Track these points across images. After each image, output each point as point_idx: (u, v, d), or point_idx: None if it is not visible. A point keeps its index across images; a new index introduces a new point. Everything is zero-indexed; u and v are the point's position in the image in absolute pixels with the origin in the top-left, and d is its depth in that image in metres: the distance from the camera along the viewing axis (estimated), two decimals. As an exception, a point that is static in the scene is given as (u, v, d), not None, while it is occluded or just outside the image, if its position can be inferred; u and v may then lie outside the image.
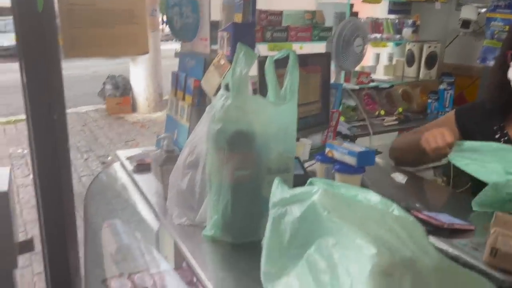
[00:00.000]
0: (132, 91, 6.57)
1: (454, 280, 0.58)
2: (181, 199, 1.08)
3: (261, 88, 1.23)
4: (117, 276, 1.51)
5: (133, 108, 6.57)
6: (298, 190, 0.69)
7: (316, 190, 0.66)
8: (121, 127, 5.90)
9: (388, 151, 1.38)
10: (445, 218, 0.94)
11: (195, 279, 1.15)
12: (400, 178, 1.26)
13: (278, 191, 0.73)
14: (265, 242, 0.76)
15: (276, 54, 1.00)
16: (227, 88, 0.91)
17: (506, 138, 1.16)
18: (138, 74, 6.48)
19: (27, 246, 1.33)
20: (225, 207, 0.93)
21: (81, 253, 1.71)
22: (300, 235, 0.70)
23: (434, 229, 0.91)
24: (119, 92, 6.42)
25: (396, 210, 0.66)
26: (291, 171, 0.99)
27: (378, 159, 1.50)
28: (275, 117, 0.94)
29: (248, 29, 1.28)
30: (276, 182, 0.76)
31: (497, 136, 1.18)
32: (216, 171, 0.93)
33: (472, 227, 0.95)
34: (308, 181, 0.78)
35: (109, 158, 4.81)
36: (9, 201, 1.20)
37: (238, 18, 1.26)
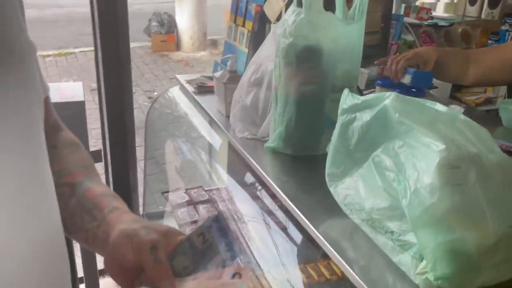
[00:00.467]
0: (177, 29, 6.60)
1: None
2: (245, 114, 1.15)
3: (326, 5, 1.24)
4: (175, 190, 1.65)
5: (178, 46, 6.63)
6: (371, 96, 0.74)
7: (388, 95, 0.70)
8: (166, 64, 6.00)
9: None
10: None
11: (255, 189, 1.25)
12: (457, 109, 1.27)
13: (349, 98, 0.78)
14: (331, 147, 0.82)
15: (347, -26, 1.01)
16: (299, 3, 0.94)
17: None
18: (183, 12, 6.47)
19: (97, 155, 1.47)
20: (290, 119, 0.99)
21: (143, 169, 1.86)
22: (367, 139, 0.75)
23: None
24: (164, 29, 6.46)
25: (462, 116, 0.70)
26: (354, 90, 1.03)
27: (433, 92, 1.50)
28: (344, 35, 0.96)
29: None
30: (346, 92, 0.81)
31: None
32: (284, 84, 0.98)
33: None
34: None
35: (155, 93, 4.97)
36: (85, 111, 1.31)
37: None
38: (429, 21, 2.04)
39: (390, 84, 1.18)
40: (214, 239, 0.52)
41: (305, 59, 0.95)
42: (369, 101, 0.74)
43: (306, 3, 0.92)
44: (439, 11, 2.35)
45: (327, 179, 0.82)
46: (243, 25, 1.56)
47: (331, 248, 0.72)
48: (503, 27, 2.19)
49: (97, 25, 1.55)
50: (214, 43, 6.96)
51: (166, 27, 6.46)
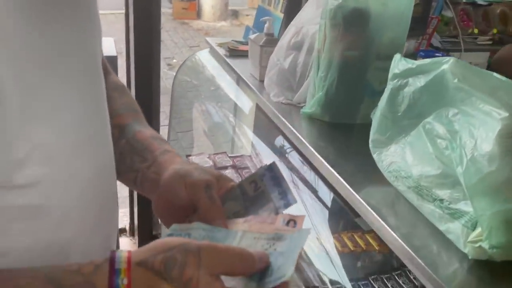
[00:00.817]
0: (198, -3, 6.51)
1: None
2: (281, 78, 1.13)
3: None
4: (198, 154, 1.64)
5: (198, 14, 6.55)
6: (427, 60, 0.71)
7: (447, 60, 0.68)
8: (186, 33, 5.95)
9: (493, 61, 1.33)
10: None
11: (285, 153, 1.24)
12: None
13: (401, 63, 0.75)
14: (377, 112, 0.80)
15: None
16: (351, -36, 0.90)
17: None
18: (206, -20, 6.36)
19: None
20: (331, 85, 0.97)
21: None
22: (418, 106, 0.73)
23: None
24: (186, -4, 6.38)
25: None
26: (399, 59, 0.99)
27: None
28: (394, 1, 0.93)
29: None
30: (398, 56, 0.78)
31: None
32: (328, 48, 0.95)
33: None
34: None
35: (174, 60, 4.93)
36: (117, 66, 1.30)
37: None
38: (468, -1, 1.97)
39: (433, 56, 1.14)
40: (266, 187, 0.52)
41: (353, 22, 0.92)
42: (425, 66, 0.71)
43: (359, -37, 0.88)
44: (479, -11, 2.27)
45: (370, 145, 0.80)
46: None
47: (373, 213, 0.71)
48: (545, 10, 2.10)
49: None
50: (235, 14, 6.86)
51: (188, -6, 6.37)
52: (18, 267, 0.36)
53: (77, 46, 0.45)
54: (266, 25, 1.24)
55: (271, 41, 1.22)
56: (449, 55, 1.63)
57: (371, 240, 1.11)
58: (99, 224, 0.49)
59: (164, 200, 0.52)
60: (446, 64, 0.67)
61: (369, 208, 0.72)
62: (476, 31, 1.97)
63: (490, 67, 1.35)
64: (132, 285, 0.37)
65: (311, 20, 1.09)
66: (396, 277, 1.05)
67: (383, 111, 0.78)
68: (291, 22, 1.15)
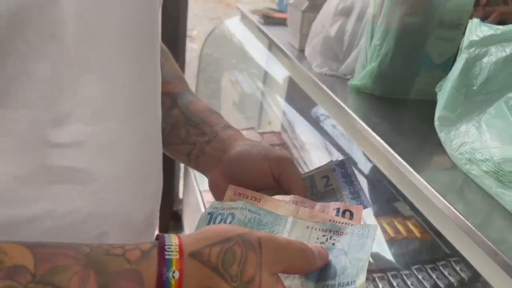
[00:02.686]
0: (220, -34, 6.31)
1: None
2: (326, 47, 1.03)
3: None
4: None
5: (219, -15, 6.36)
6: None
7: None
8: (207, 3, 5.79)
9: None
10: None
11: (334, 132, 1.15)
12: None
13: (481, 28, 0.66)
14: (447, 86, 0.70)
15: None
16: None
17: None
18: (229, -51, 6.15)
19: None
20: (386, 55, 0.87)
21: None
22: (500, 79, 0.64)
23: None
24: (207, -34, 6.18)
25: None
26: (463, 28, 0.89)
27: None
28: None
29: None
30: (476, 21, 0.68)
31: None
32: (386, 13, 0.85)
33: None
34: None
35: (194, 32, 4.82)
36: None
37: None
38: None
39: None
40: (338, 186, 0.45)
41: (417, -17, 0.82)
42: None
43: None
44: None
45: (437, 123, 0.71)
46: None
47: (440, 197, 0.63)
48: None
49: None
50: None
51: (209, -37, 6.18)
52: (55, 239, 0.31)
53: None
54: (309, -12, 1.14)
55: (315, 6, 1.11)
56: None
57: (412, 227, 1.04)
58: (143, 199, 0.44)
59: (230, 176, 0.47)
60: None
61: (434, 191, 0.64)
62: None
63: None
64: (184, 280, 0.30)
65: (363, -17, 0.99)
66: (441, 268, 0.98)
67: (455, 84, 0.68)
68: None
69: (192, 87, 1.77)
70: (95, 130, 0.35)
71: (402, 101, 0.93)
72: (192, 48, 4.40)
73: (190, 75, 2.06)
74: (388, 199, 1.00)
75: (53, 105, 0.31)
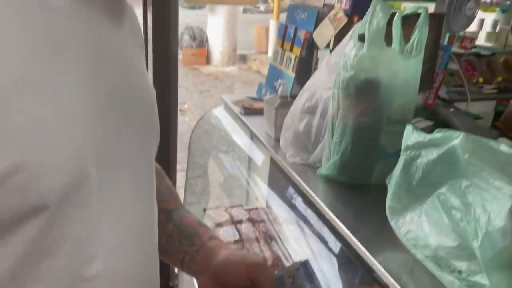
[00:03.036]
0: (208, 43, 6.73)
1: None
2: (297, 140, 1.18)
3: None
4: (215, 208, 1.68)
5: (208, 60, 6.76)
6: (438, 134, 0.76)
7: (457, 135, 0.72)
8: (196, 78, 6.12)
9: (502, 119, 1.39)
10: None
11: (308, 214, 1.27)
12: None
13: (414, 135, 0.80)
14: (393, 181, 0.84)
15: (406, 10, 1.04)
16: (361, 38, 0.97)
17: None
18: (215, 27, 6.61)
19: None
20: (346, 149, 1.02)
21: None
22: (432, 176, 0.77)
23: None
24: (196, 43, 6.61)
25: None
26: (408, 122, 1.04)
27: (479, 124, 1.51)
28: (402, 70, 0.99)
29: (369, -15, 1.30)
30: (410, 128, 0.83)
31: None
32: (342, 115, 1.01)
33: None
34: (436, 131, 0.84)
35: (185, 106, 5.06)
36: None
37: (360, -28, 1.29)
38: (472, 50, 2.05)
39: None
40: (303, 283, 0.57)
41: (364, 91, 0.98)
42: (436, 140, 0.76)
43: (368, 39, 0.95)
44: (481, 40, 2.35)
45: (387, 212, 0.84)
46: (291, 50, 1.60)
47: (393, 282, 0.74)
48: (547, 58, 2.17)
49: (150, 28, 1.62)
50: (243, 58, 7.07)
51: (198, 41, 6.61)
52: None
53: (142, 148, 0.51)
54: (280, 88, 1.31)
55: (285, 103, 1.28)
56: (456, 105, 1.68)
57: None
58: None
59: (216, 280, 0.59)
60: (457, 139, 0.72)
61: (389, 277, 0.75)
62: (481, 80, 2.03)
63: (500, 123, 1.39)
64: None
65: (323, 85, 1.16)
66: None
67: (398, 180, 0.82)
68: (304, 86, 1.22)
69: (183, 162, 1.89)
70: (111, 264, 0.44)
71: (365, 186, 1.06)
72: (184, 121, 4.61)
73: (182, 147, 2.20)
74: (359, 280, 1.09)
75: (84, 249, 0.41)
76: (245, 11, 12.10)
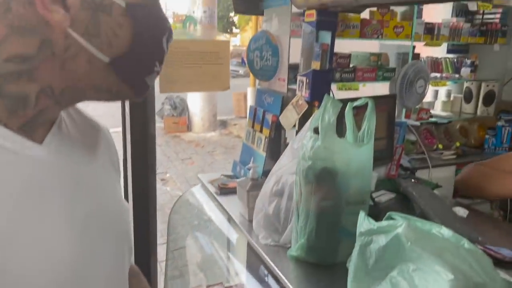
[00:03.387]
0: (188, 111, 6.95)
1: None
2: (267, 222, 1.26)
3: (338, 128, 1.40)
4: (197, 287, 1.71)
5: (189, 127, 6.93)
6: (384, 223, 0.85)
7: (400, 224, 0.81)
8: (178, 145, 6.24)
9: (456, 182, 1.50)
10: (505, 252, 1.06)
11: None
12: (461, 212, 1.38)
13: (365, 222, 0.89)
14: (351, 264, 0.91)
15: (356, 101, 1.18)
16: (316, 131, 1.09)
17: None
18: (195, 96, 6.86)
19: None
20: (311, 232, 1.10)
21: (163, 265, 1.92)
22: (384, 260, 0.85)
23: (496, 262, 1.03)
24: (177, 112, 6.81)
25: (466, 243, 0.80)
26: (366, 203, 1.14)
27: (438, 192, 1.61)
28: (355, 157, 1.10)
29: (325, 76, 1.46)
30: (362, 215, 0.92)
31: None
32: (304, 201, 1.10)
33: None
34: (387, 215, 0.94)
35: (168, 175, 5.12)
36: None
37: (316, 65, 1.45)
38: (429, 119, 2.22)
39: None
40: None
41: (323, 179, 1.08)
42: (383, 228, 0.84)
43: (322, 132, 1.07)
44: (437, 110, 2.55)
45: (349, 293, 0.90)
46: (261, 131, 1.73)
47: None
48: (499, 123, 2.36)
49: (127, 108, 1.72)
50: (223, 124, 7.27)
51: (179, 110, 6.82)
52: None
53: (115, 261, 0.58)
54: (251, 171, 1.41)
55: (256, 185, 1.37)
56: (416, 174, 1.80)
57: None
58: None
59: None
60: (400, 228, 0.81)
61: None
62: (440, 146, 2.19)
63: (454, 186, 1.51)
64: None
65: (289, 170, 1.26)
66: None
67: (355, 263, 0.90)
68: (272, 170, 1.32)
69: (165, 234, 1.91)
70: None
71: (332, 266, 1.13)
72: (166, 191, 4.65)
73: (165, 218, 2.22)
74: None
75: None
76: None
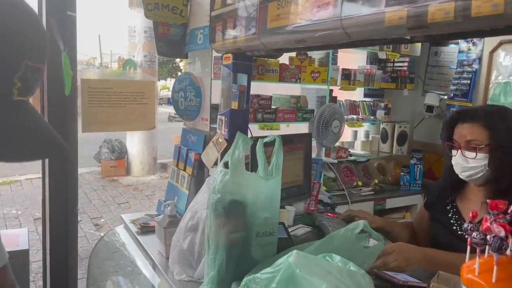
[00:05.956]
0: (127, 154, 6.80)
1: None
2: (182, 257, 1.26)
3: (252, 163, 1.46)
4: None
5: (127, 171, 6.76)
6: (278, 261, 0.88)
7: (291, 253, 0.86)
8: (115, 190, 6.04)
9: None
10: (401, 277, 1.14)
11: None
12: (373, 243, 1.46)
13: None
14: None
15: (266, 138, 1.25)
16: (226, 165, 1.14)
17: (455, 210, 1.39)
18: (134, 138, 6.76)
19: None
20: (221, 264, 1.12)
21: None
22: None
23: (392, 286, 1.11)
24: (115, 155, 6.64)
25: (352, 266, 0.87)
26: (275, 234, 1.19)
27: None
28: (264, 189, 1.16)
29: (242, 114, 1.54)
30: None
31: (448, 208, 1.41)
32: (214, 233, 1.13)
33: (424, 284, 1.15)
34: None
35: (102, 220, 4.92)
36: (28, 259, 1.36)
37: (234, 105, 1.53)
38: (349, 158, 2.37)
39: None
40: None
41: (231, 211, 1.12)
42: (277, 265, 0.88)
43: (231, 166, 1.12)
44: (357, 149, 2.73)
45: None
46: (184, 170, 1.75)
47: None
48: (412, 161, 2.56)
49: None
50: (163, 167, 7.17)
51: (117, 153, 6.66)
52: None
53: None
54: (169, 208, 1.42)
55: (174, 222, 1.38)
56: (336, 209, 1.90)
57: None
58: None
59: None
60: (291, 257, 0.86)
61: None
62: (360, 183, 2.33)
63: None
64: None
65: (204, 205, 1.29)
66: None
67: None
68: (188, 207, 1.34)
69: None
70: None
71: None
72: (99, 236, 4.45)
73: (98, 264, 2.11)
74: None
75: None
76: (170, 119, 12.64)
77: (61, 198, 1.72)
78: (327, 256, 0.91)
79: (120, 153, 6.68)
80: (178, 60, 14.31)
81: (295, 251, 0.86)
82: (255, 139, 1.24)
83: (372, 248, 1.14)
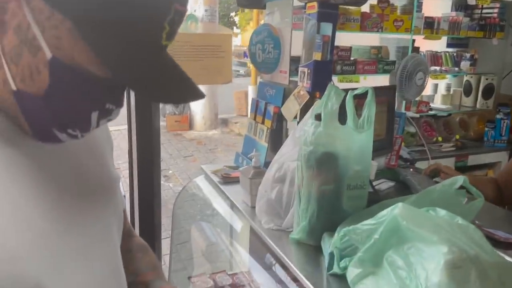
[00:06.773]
0: (190, 109, 6.98)
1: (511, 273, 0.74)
2: (270, 207, 1.29)
3: (340, 115, 1.42)
4: (200, 275, 1.75)
5: (190, 125, 6.97)
6: (381, 213, 0.87)
7: (395, 206, 0.84)
8: (180, 143, 6.28)
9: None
10: (501, 234, 1.09)
11: (283, 276, 1.35)
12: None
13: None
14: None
15: (356, 90, 1.21)
16: (317, 117, 1.12)
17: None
18: (197, 94, 6.88)
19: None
20: (312, 215, 1.13)
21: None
22: (382, 241, 0.88)
23: (493, 243, 1.06)
24: (178, 110, 6.84)
25: (460, 220, 0.83)
26: (366, 187, 1.18)
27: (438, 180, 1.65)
28: (356, 143, 1.14)
29: (326, 66, 1.49)
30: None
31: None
32: (306, 185, 1.13)
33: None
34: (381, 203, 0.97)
35: (170, 172, 5.16)
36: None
37: (317, 56, 1.48)
38: (429, 112, 2.25)
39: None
40: None
41: (324, 163, 1.11)
42: (380, 217, 0.87)
43: (324, 118, 1.10)
44: (437, 103, 2.58)
45: (348, 279, 0.93)
46: (263, 123, 1.76)
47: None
48: (498, 116, 2.39)
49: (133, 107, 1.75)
50: (224, 122, 7.31)
51: (180, 108, 6.85)
52: None
53: (101, 238, 0.59)
54: (253, 160, 1.44)
55: (259, 173, 1.41)
56: (416, 165, 1.84)
57: None
58: None
59: None
60: (396, 209, 0.84)
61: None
62: (440, 139, 2.22)
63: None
64: None
65: (290, 157, 1.29)
66: None
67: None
68: (274, 158, 1.35)
69: (169, 228, 1.94)
70: None
71: (332, 247, 1.16)
72: (169, 187, 4.69)
73: (168, 213, 2.23)
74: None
75: None
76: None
77: (146, 148, 1.80)
78: (430, 209, 0.89)
79: (183, 108, 6.87)
80: (233, 14, 14.09)
81: (400, 203, 0.85)
82: (345, 92, 1.21)
83: (471, 204, 1.10)
